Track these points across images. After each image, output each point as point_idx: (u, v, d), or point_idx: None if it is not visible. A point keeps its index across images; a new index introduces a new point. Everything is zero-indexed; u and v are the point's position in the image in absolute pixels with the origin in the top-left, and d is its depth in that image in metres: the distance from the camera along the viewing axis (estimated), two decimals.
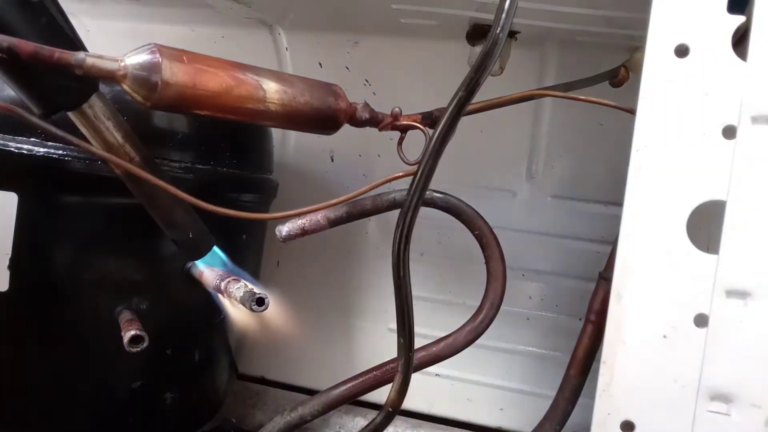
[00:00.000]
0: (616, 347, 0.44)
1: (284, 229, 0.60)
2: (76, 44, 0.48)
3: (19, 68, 0.46)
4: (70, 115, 0.51)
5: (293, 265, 1.03)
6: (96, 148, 0.51)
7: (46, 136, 0.61)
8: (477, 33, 0.84)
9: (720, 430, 0.42)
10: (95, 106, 0.51)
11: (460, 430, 0.96)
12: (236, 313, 0.62)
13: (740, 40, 0.42)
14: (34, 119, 0.47)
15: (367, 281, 1.00)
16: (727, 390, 0.42)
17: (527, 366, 0.94)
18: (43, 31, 0.45)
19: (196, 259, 0.62)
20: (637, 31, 0.73)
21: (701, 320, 0.42)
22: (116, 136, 0.52)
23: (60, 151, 0.61)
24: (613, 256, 0.46)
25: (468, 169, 0.94)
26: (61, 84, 0.48)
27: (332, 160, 1.01)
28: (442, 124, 0.46)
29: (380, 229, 0.99)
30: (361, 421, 0.96)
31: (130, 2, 0.91)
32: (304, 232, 0.60)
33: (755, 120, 0.41)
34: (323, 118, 0.54)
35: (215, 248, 0.63)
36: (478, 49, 0.83)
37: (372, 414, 0.88)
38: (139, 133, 0.55)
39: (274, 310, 0.59)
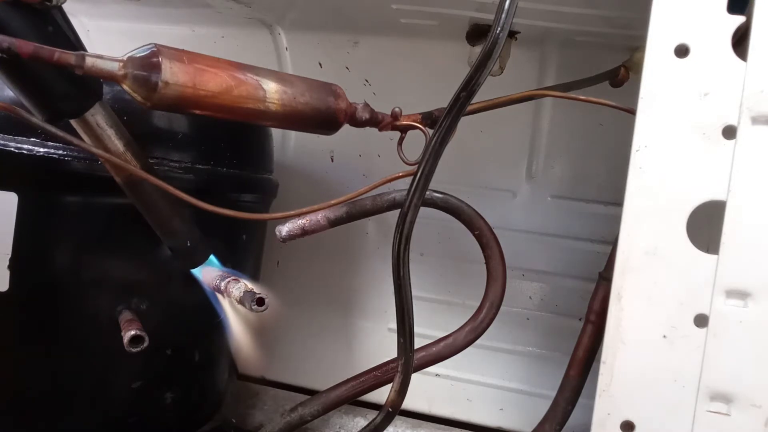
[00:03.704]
0: (616, 347, 0.44)
1: (284, 229, 0.60)
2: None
3: (22, 74, 0.46)
4: (73, 122, 0.51)
5: (293, 265, 1.03)
6: (100, 151, 0.51)
7: (46, 136, 0.61)
8: (477, 33, 0.84)
9: (720, 430, 0.42)
10: (97, 115, 0.51)
11: (460, 430, 0.96)
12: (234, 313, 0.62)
13: (740, 40, 0.42)
14: (35, 119, 0.47)
15: (367, 281, 1.00)
16: (727, 390, 0.42)
17: (527, 366, 0.94)
18: (49, 39, 0.45)
19: (192, 268, 0.62)
20: (637, 31, 0.73)
21: (701, 320, 0.43)
22: (117, 145, 0.53)
23: (60, 151, 0.61)
24: (613, 256, 0.46)
25: (468, 169, 0.93)
26: (65, 92, 0.48)
27: (332, 160, 1.01)
28: (442, 124, 0.46)
29: (380, 229, 0.99)
30: (361, 421, 0.96)
31: (130, 2, 0.91)
32: (304, 232, 0.60)
33: (755, 120, 0.41)
34: (323, 118, 0.54)
35: (212, 257, 0.63)
36: (478, 49, 0.83)
37: (372, 414, 0.88)
38: (139, 133, 0.55)
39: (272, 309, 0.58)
